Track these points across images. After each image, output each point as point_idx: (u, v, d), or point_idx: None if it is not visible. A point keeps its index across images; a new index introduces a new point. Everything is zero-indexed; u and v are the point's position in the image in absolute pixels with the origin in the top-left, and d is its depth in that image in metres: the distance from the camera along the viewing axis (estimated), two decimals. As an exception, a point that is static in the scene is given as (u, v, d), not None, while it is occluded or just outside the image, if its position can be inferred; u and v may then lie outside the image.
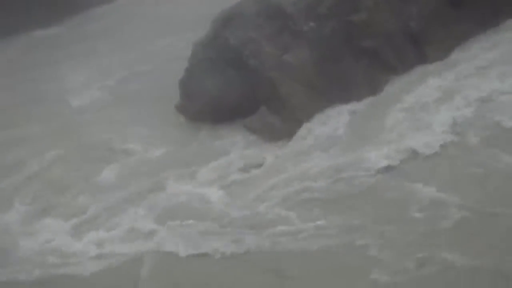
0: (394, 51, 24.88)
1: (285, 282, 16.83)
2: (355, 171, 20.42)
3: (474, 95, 22.94)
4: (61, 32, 41.35)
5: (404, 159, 20.49)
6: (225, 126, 25.54)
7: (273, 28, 26.44)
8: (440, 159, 20.28)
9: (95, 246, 19.52)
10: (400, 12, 25.76)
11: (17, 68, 36.63)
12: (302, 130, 23.41)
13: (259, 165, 22.26)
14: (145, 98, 29.13)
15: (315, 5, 25.87)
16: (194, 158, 23.52)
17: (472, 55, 25.52)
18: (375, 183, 19.79)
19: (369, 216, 18.33)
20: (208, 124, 25.90)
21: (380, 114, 23.07)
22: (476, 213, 17.45)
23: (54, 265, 19.13)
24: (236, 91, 25.67)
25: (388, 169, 20.22)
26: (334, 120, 23.50)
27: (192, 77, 27.51)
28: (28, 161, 25.56)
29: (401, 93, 23.97)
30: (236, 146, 23.90)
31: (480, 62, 24.85)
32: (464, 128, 21.41)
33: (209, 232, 19.19)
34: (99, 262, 18.90)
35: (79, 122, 28.34)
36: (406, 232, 17.34)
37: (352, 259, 16.92)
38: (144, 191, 21.88)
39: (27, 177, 24.45)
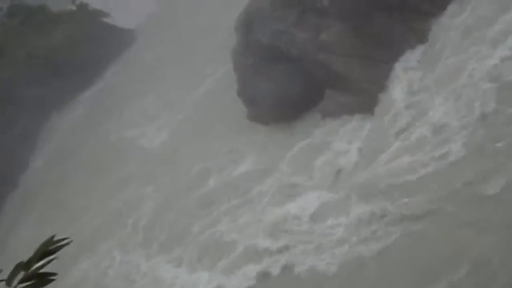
0: (420, -4, 24.77)
1: None
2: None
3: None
4: (103, 88, 44.00)
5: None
6: (301, 119, 26.78)
7: (294, 14, 27.38)
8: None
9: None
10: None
11: (86, 125, 39.86)
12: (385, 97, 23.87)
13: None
14: (214, 120, 30.74)
15: None
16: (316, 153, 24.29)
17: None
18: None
19: None
20: (285, 123, 27.07)
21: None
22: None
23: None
24: (294, 84, 26.89)
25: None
26: (405, 77, 23.82)
27: (246, 85, 28.88)
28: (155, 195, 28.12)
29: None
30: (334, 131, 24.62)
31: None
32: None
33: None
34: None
35: (170, 157, 30.59)
36: None
37: None
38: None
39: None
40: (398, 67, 24.58)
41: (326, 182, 22.69)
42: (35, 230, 31.32)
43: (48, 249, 5.14)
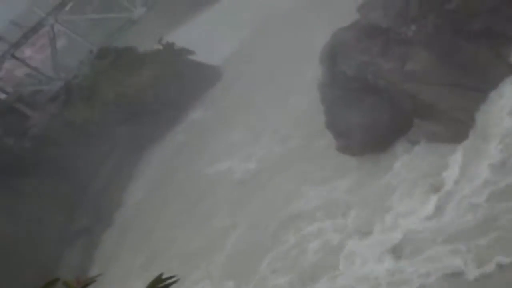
0: (507, 21, 24.47)
1: None
2: None
3: None
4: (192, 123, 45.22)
5: None
6: (391, 148, 26.78)
7: (379, 45, 27.54)
8: None
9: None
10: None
11: (176, 159, 40.97)
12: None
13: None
14: (302, 151, 31.19)
15: (405, 10, 26.60)
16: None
17: None
18: None
19: None
20: (375, 152, 27.20)
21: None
22: None
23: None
24: (382, 114, 26.88)
25: None
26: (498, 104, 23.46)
27: (335, 117, 29.01)
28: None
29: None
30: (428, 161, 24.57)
31: None
32: None
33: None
34: None
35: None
36: None
37: None
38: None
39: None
40: (490, 94, 24.28)
41: (427, 209, 22.52)
42: (135, 268, 32.11)
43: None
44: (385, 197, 24.71)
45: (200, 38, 52.64)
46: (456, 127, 24.77)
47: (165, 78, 49.00)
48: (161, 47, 53.98)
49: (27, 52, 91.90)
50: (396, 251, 22.14)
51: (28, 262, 35.86)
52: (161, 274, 5.01)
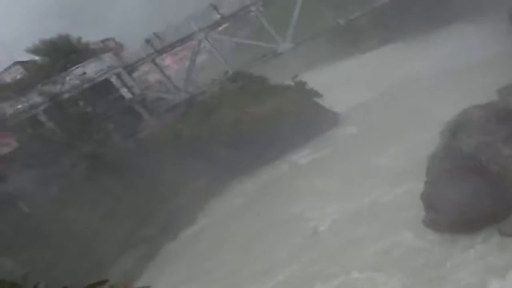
0: None
1: None
2: None
3: None
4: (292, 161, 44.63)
5: None
6: (478, 233, 24.85)
7: (507, 130, 25.98)
8: None
9: None
10: None
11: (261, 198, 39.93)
12: None
13: None
14: (386, 216, 29.24)
15: None
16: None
17: None
18: None
19: None
20: (462, 234, 25.26)
21: None
22: None
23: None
24: (483, 198, 25.00)
25: None
26: None
27: (434, 190, 27.29)
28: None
29: None
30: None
31: None
32: None
33: None
34: None
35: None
36: None
37: None
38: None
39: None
40: None
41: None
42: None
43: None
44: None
45: (332, 83, 53.34)
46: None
47: (285, 114, 48.18)
48: (292, 84, 53.09)
49: (167, 60, 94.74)
50: None
51: (87, 256, 35.57)
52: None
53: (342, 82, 56.15)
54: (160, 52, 61.63)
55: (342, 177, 36.32)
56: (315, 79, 54.97)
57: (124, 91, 55.74)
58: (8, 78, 61.91)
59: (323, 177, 37.62)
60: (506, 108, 26.85)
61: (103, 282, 6.85)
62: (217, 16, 59.39)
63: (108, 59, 58.89)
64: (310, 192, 36.23)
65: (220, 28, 68.98)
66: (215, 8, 59.24)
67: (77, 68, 55.21)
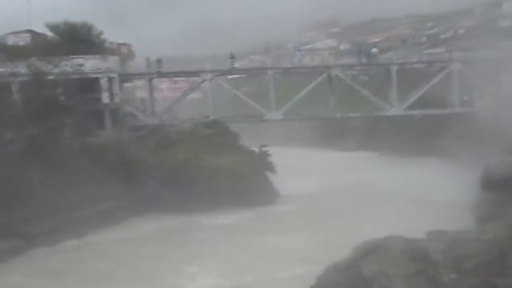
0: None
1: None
2: None
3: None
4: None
5: None
6: None
7: (411, 269, 24.50)
8: None
9: None
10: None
11: None
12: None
13: None
14: None
15: (463, 260, 23.52)
16: None
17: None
18: None
19: None
20: None
21: None
22: None
23: None
24: None
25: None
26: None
27: None
28: None
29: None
30: None
31: None
32: None
33: None
34: None
35: None
36: None
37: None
38: None
39: None
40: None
41: None
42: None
43: None
44: None
45: (296, 166, 53.23)
46: None
47: (231, 175, 46.86)
48: (256, 151, 52.96)
49: (163, 84, 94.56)
50: None
51: None
52: None
53: (305, 169, 55.40)
54: (161, 75, 61.19)
55: (231, 251, 34.75)
56: (283, 155, 54.37)
57: (105, 95, 54.74)
58: (11, 41, 61.52)
59: (217, 247, 35.76)
60: (426, 249, 25.23)
61: None
62: (232, 65, 58.91)
63: (111, 62, 58.26)
64: (190, 257, 34.05)
65: (229, 77, 68.69)
66: (233, 57, 58.75)
67: (78, 58, 54.58)
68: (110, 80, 55.13)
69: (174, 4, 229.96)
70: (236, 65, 60.69)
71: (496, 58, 57.80)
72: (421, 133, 66.11)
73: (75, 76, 52.65)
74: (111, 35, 66.07)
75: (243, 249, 34.58)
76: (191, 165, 46.75)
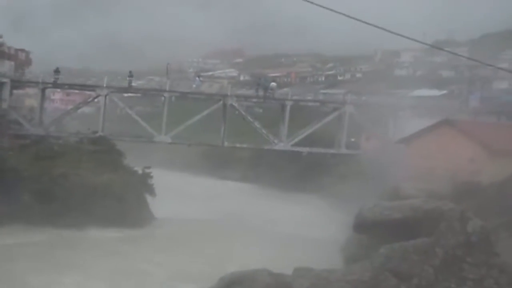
0: None
1: None
2: None
3: None
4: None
5: None
6: None
7: None
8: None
9: None
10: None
11: None
12: None
13: None
14: None
15: None
16: None
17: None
18: None
19: None
20: None
21: None
22: None
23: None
24: None
25: None
26: None
27: None
28: None
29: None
30: None
31: None
32: None
33: None
34: None
35: None
36: None
37: None
38: None
39: None
40: None
41: None
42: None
43: None
44: None
45: (180, 191, 52.95)
46: None
47: (108, 193, 45.92)
48: (139, 172, 51.99)
49: (57, 95, 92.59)
50: None
51: None
52: None
53: (185, 194, 54.99)
54: (56, 86, 59.57)
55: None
56: (167, 178, 53.97)
57: (-8, 100, 52.80)
58: None
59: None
60: (287, 285, 25.47)
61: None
62: (129, 84, 57.89)
63: (5, 66, 56.39)
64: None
65: (125, 95, 67.61)
66: (131, 76, 57.70)
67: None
68: (1, 85, 53.16)
69: (82, 16, 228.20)
70: (134, 84, 59.62)
71: (387, 105, 59.79)
72: (305, 170, 66.74)
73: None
74: (14, 40, 64.13)
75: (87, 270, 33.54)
76: (69, 180, 45.25)
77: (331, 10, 14.31)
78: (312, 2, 13.63)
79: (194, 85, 67.76)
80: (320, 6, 14.11)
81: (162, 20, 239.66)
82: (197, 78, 77.24)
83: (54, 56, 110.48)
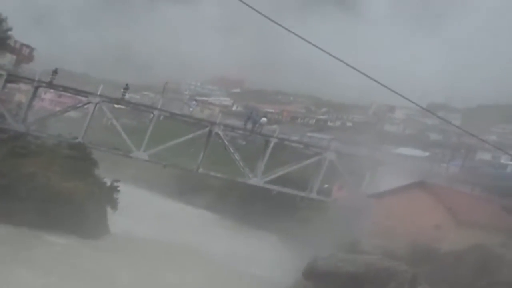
0: None
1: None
2: None
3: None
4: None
5: None
6: None
7: None
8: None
9: None
10: None
11: None
12: None
13: None
14: None
15: None
16: None
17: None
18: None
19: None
20: None
21: None
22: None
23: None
24: None
25: None
26: None
27: None
28: None
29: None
30: None
31: None
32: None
33: None
34: None
35: None
36: None
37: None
38: None
39: None
40: None
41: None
42: None
43: None
44: None
45: (143, 210, 53.00)
46: None
47: (73, 200, 45.97)
48: (108, 183, 52.12)
49: (48, 95, 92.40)
50: None
51: None
52: None
53: (146, 214, 55.18)
54: (50, 86, 59.41)
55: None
56: (133, 195, 54.49)
57: (-18, 90, 52.95)
58: None
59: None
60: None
61: None
62: (123, 96, 57.94)
63: (6, 59, 56.54)
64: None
65: (116, 106, 67.62)
66: (127, 88, 57.84)
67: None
68: (-5, 78, 53.26)
69: (104, 24, 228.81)
70: (127, 96, 59.62)
71: (368, 157, 59.91)
72: (272, 208, 66.44)
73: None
74: (30, 34, 64.33)
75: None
76: (35, 181, 45.47)
77: (334, 57, 14.50)
78: (322, 50, 13.95)
79: (190, 109, 67.97)
80: (329, 54, 14.30)
81: (182, 36, 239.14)
82: (193, 102, 77.53)
83: (61, 57, 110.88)
